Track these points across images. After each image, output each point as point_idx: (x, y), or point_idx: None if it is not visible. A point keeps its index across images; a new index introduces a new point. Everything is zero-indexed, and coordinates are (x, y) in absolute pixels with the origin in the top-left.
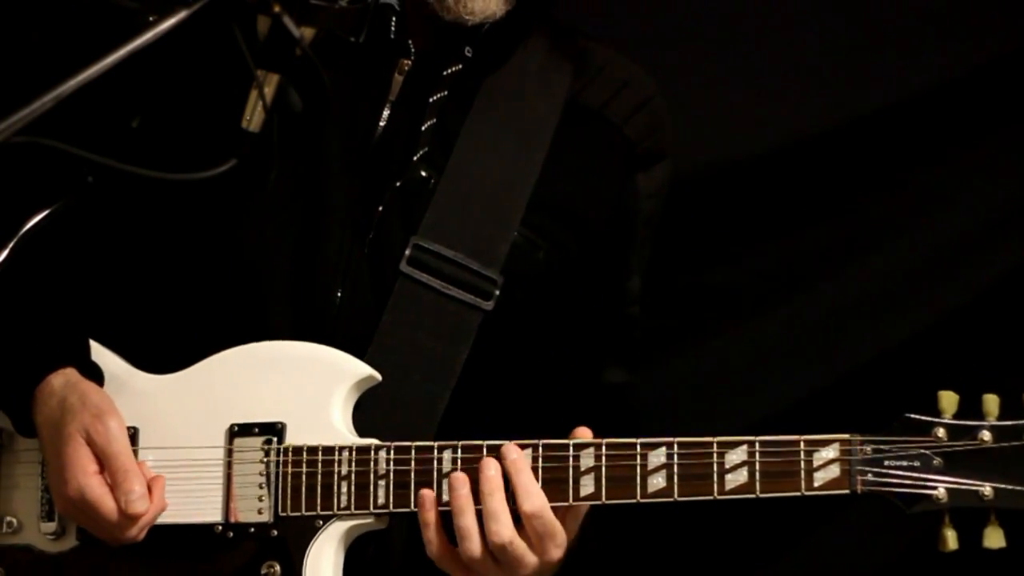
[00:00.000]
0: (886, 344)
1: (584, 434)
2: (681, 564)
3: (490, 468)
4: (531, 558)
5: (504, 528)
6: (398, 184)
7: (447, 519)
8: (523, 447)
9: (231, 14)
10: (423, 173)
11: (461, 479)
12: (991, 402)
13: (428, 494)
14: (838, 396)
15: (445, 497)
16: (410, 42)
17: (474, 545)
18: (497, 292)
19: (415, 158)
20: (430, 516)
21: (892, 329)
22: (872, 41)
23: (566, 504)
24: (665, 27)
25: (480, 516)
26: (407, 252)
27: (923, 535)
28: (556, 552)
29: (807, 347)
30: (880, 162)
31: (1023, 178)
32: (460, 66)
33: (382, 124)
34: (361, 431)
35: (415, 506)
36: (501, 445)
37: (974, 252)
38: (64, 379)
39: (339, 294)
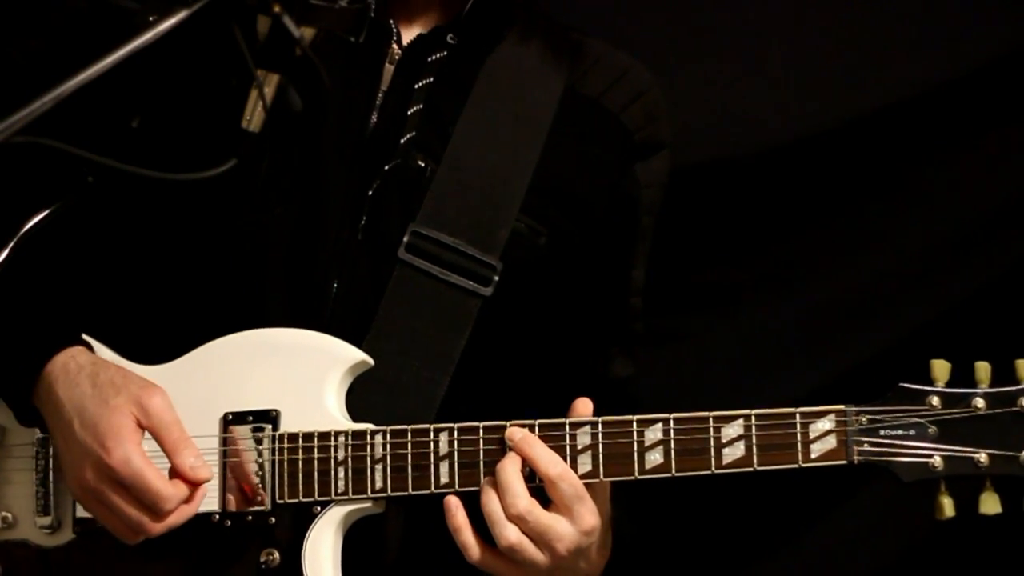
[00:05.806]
0: (886, 341)
1: (584, 406)
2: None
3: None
4: (566, 527)
5: (519, 499)
6: (387, 167)
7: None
8: (520, 427)
9: (231, 14)
10: (420, 162)
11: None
12: (983, 369)
13: (452, 500)
14: (838, 392)
15: (443, 479)
16: (392, 21)
17: (507, 530)
18: (496, 278)
19: (402, 141)
20: (459, 520)
21: (892, 326)
22: (872, 40)
23: None
24: (667, 25)
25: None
26: (405, 239)
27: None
28: (592, 518)
29: (807, 343)
30: (879, 160)
31: (1022, 178)
32: (445, 52)
33: (375, 114)
34: (359, 419)
35: (412, 489)
36: (498, 427)
37: (970, 251)
38: (87, 357)
39: (335, 282)
